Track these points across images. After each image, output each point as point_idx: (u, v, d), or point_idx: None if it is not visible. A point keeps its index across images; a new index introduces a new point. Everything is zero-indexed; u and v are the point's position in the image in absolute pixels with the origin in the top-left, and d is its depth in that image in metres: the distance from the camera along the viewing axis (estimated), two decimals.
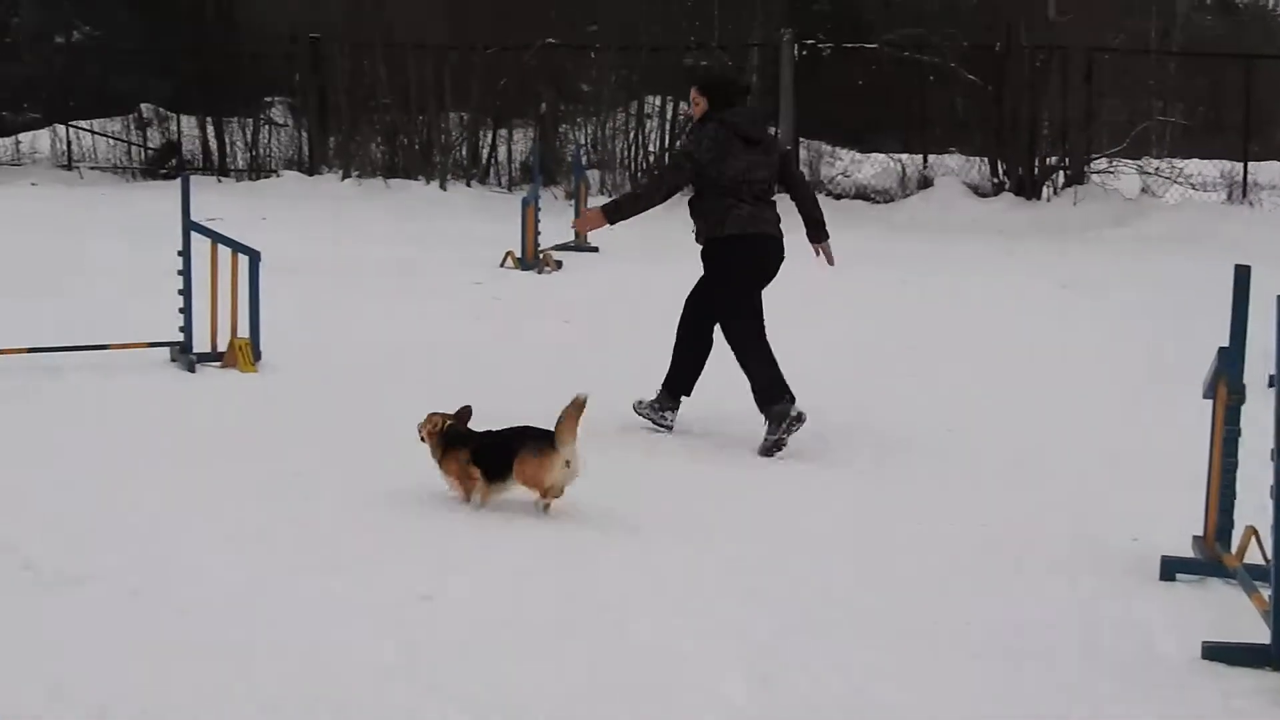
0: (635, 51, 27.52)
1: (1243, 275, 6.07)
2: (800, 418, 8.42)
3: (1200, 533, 6.38)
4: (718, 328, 8.98)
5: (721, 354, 8.90)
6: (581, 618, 5.58)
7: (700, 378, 8.98)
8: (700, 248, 9.02)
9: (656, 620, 5.56)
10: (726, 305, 8.91)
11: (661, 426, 8.98)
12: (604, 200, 9.54)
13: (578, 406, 6.96)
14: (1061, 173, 24.86)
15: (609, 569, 6.17)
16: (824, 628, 5.52)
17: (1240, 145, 25.94)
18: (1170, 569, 6.19)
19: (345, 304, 13.48)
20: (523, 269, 16.36)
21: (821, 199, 22.86)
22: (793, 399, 8.48)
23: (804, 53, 27.17)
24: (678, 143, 25.14)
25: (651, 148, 27.17)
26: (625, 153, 27.16)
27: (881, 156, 27.46)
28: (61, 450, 7.88)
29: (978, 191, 24.70)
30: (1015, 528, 6.93)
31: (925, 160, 26.40)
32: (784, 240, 8.89)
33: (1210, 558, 6.19)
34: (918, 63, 26.42)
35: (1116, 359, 11.74)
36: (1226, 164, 25.84)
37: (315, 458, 7.79)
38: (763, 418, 8.52)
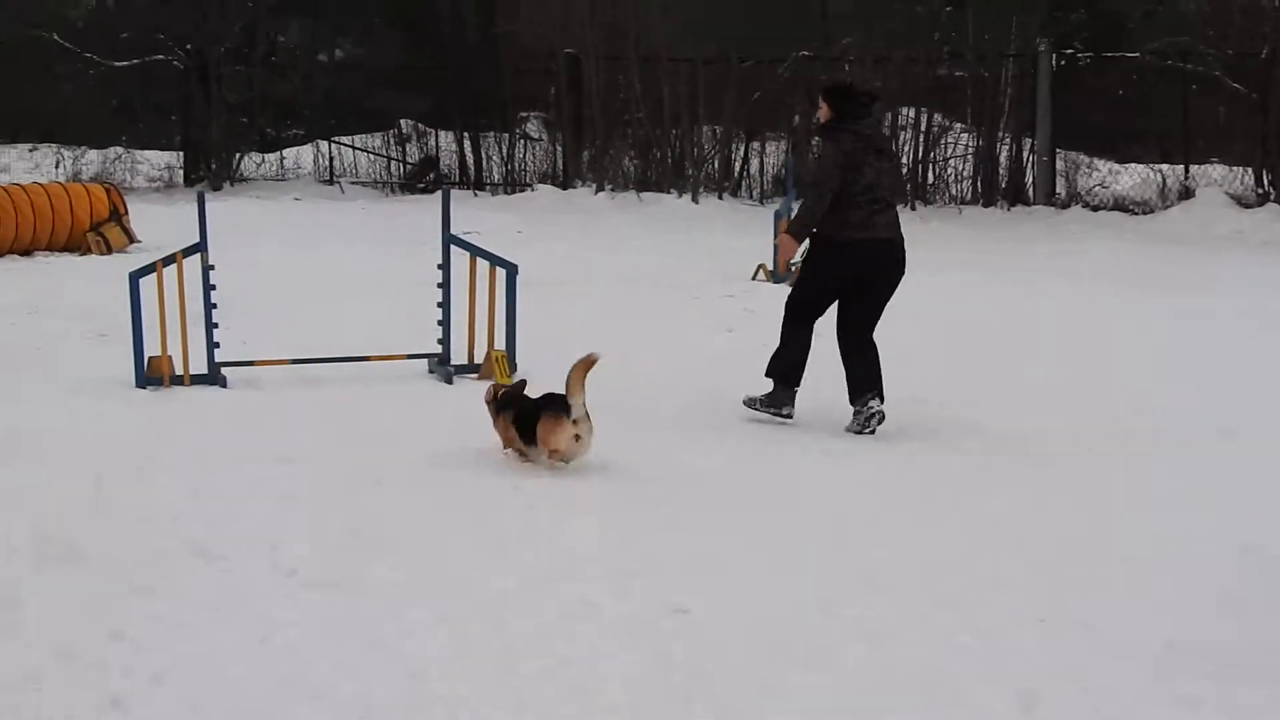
0: (888, 62, 27.35)
1: None
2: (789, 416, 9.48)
3: None
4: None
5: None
6: (831, 626, 5.58)
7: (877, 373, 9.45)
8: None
9: (913, 634, 5.54)
10: (804, 289, 9.66)
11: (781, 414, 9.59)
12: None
13: (585, 364, 7.92)
14: None
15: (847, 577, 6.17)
16: None
17: None
18: None
19: (598, 316, 13.60)
20: (775, 281, 16.33)
21: (1078, 210, 22.75)
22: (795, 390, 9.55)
23: (1061, 62, 26.75)
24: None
25: (905, 159, 26.94)
26: None
27: (1140, 167, 26.92)
28: (319, 457, 8.06)
29: (1241, 202, 24.07)
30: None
31: (1187, 170, 25.82)
32: (900, 243, 9.41)
33: None
34: (1180, 71, 25.85)
35: None
36: None
37: (568, 469, 7.87)
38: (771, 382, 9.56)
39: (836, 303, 9.57)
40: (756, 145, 28.60)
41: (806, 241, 9.53)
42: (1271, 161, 24.34)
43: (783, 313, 9.74)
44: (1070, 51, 27.57)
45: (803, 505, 7.33)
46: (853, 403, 9.37)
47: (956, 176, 27.13)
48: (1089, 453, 8.60)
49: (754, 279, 16.57)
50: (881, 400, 9.28)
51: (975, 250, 19.90)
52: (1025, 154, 26.70)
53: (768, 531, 6.85)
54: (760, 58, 27.49)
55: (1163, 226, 22.99)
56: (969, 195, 26.57)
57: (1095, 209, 25.30)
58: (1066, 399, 10.24)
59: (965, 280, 16.52)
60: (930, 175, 27.11)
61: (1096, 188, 26.52)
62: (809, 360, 9.61)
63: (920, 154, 27.04)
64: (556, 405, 7.90)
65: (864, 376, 9.37)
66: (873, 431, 9.21)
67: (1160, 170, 26.01)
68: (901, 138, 27.07)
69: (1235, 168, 25.49)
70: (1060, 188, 26.35)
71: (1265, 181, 24.39)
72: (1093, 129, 28.29)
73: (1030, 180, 26.50)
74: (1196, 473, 8.10)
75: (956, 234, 22.32)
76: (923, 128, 27.17)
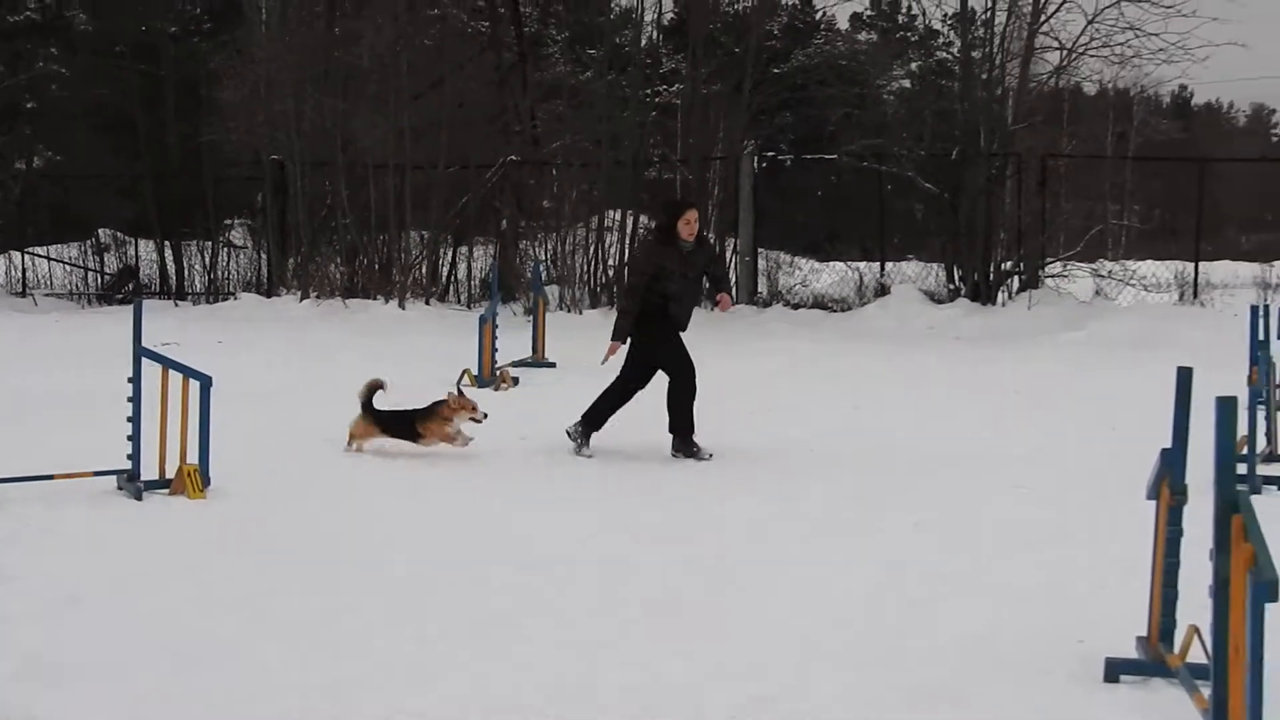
0: (596, 167, 27.71)
1: (1184, 377, 6.09)
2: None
3: (1144, 633, 6.41)
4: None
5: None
6: None
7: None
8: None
9: None
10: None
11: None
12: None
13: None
14: (1016, 277, 25.07)
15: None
16: None
17: (1191, 246, 26.27)
18: (1115, 670, 6.19)
19: (299, 426, 13.35)
20: (480, 386, 16.35)
21: (779, 309, 23.27)
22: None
23: (764, 164, 27.43)
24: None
25: (612, 262, 27.26)
26: (585, 268, 27.27)
27: (840, 265, 27.68)
28: (8, 581, 7.79)
29: (934, 298, 24.90)
30: (960, 633, 6.92)
31: (883, 268, 26.63)
32: None
33: (1154, 658, 6.21)
34: (876, 172, 26.69)
35: (1063, 463, 11.80)
36: (1180, 265, 26.15)
37: (264, 582, 7.75)
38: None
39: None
40: (464, 250, 28.66)
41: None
42: (961, 259, 25.21)
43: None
44: (772, 154, 28.30)
45: None
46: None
47: None
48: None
49: (459, 383, 16.51)
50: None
51: None
52: (729, 254, 27.21)
53: None
54: (467, 163, 27.61)
55: (860, 323, 23.61)
56: None
57: (796, 307, 25.91)
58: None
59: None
60: None
61: (797, 286, 27.18)
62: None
63: (625, 256, 27.32)
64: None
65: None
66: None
67: (858, 268, 26.76)
68: (608, 240, 27.36)
69: (929, 264, 26.37)
70: (762, 287, 26.91)
71: (955, 277, 25.26)
72: (795, 229, 29.06)
73: (734, 280, 26.99)
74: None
75: None
76: (629, 230, 27.46)
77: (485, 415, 11.87)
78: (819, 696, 6.01)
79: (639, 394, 12.33)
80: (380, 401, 12.10)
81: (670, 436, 12.00)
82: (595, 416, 12.19)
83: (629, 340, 12.14)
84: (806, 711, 5.83)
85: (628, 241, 27.34)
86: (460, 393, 12.14)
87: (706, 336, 18.54)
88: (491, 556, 8.28)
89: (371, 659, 6.41)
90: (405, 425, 12.00)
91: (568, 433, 12.20)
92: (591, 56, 33.71)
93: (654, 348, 12.18)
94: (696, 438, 11.95)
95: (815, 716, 5.80)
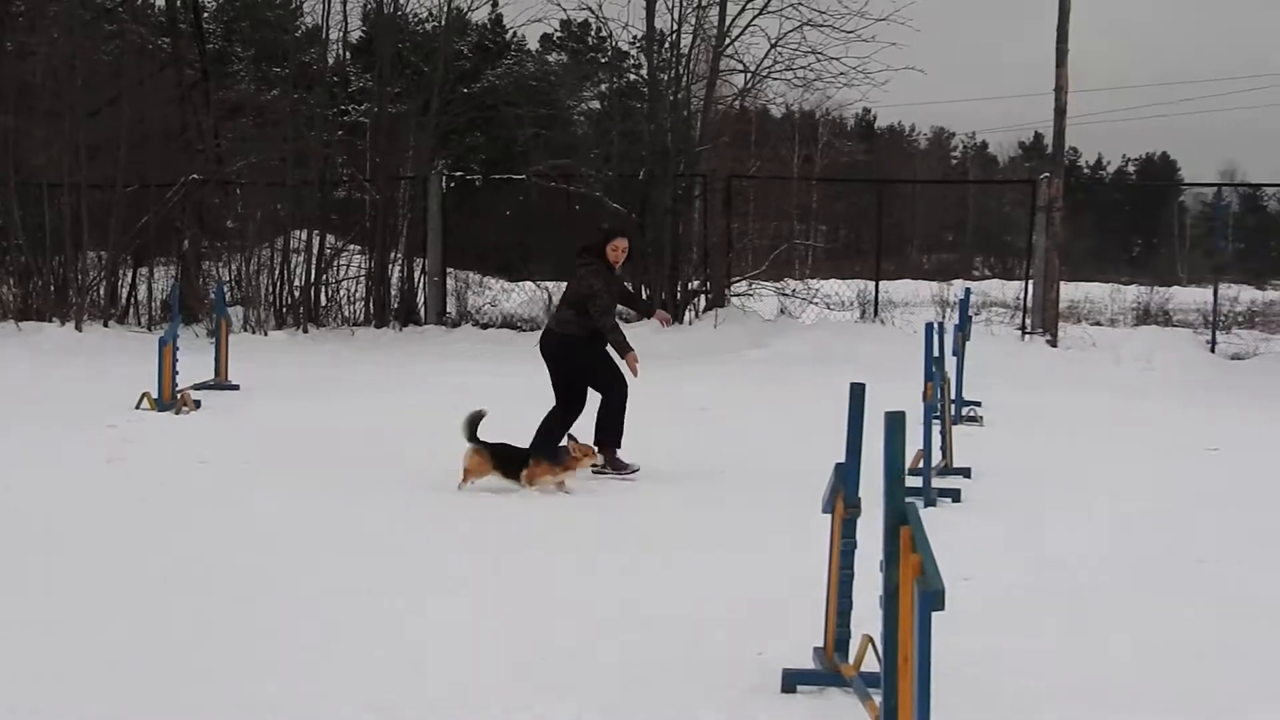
0: (282, 187, 27.32)
1: (857, 392, 6.23)
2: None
3: (821, 644, 6.53)
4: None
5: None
6: None
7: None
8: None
9: None
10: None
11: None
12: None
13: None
14: (703, 296, 25.43)
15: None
16: None
17: (874, 265, 27.06)
18: (791, 681, 6.30)
19: None
20: (160, 410, 15.98)
21: (468, 329, 23.25)
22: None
23: (453, 184, 27.36)
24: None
25: (298, 283, 26.88)
26: (271, 289, 26.84)
27: (530, 285, 27.76)
28: None
29: (622, 317, 25.06)
30: (643, 647, 6.97)
31: None
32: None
33: (829, 668, 6.34)
34: (566, 192, 26.81)
35: (751, 475, 12.02)
36: (861, 283, 26.88)
37: None
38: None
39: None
40: (145, 271, 27.96)
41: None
42: (649, 277, 25.47)
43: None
44: (460, 174, 28.26)
45: None
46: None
47: (349, 298, 27.23)
48: None
49: (138, 407, 16.13)
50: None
51: (365, 371, 20.01)
52: (418, 274, 27.09)
53: None
54: (148, 182, 26.97)
55: None
56: (362, 316, 26.72)
57: (485, 327, 25.92)
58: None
59: (349, 404, 16.62)
60: (323, 298, 27.07)
61: (486, 306, 27.17)
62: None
63: (312, 277, 26.97)
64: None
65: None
66: None
67: (547, 288, 26.86)
68: (294, 261, 26.98)
69: None
70: (451, 307, 26.85)
71: (644, 296, 25.51)
72: (486, 249, 29.07)
73: (422, 300, 26.88)
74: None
75: (348, 356, 22.42)
76: (315, 250, 27.11)
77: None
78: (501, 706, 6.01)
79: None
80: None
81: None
82: (546, 443, 11.88)
83: (565, 365, 12.52)
84: None
85: (314, 262, 26.98)
86: (575, 439, 11.70)
87: (387, 358, 18.50)
88: (173, 585, 8.09)
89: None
90: (516, 464, 11.49)
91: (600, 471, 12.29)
92: (277, 74, 33.28)
93: (593, 367, 12.61)
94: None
95: None
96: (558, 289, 26.50)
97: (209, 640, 6.99)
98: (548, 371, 12.56)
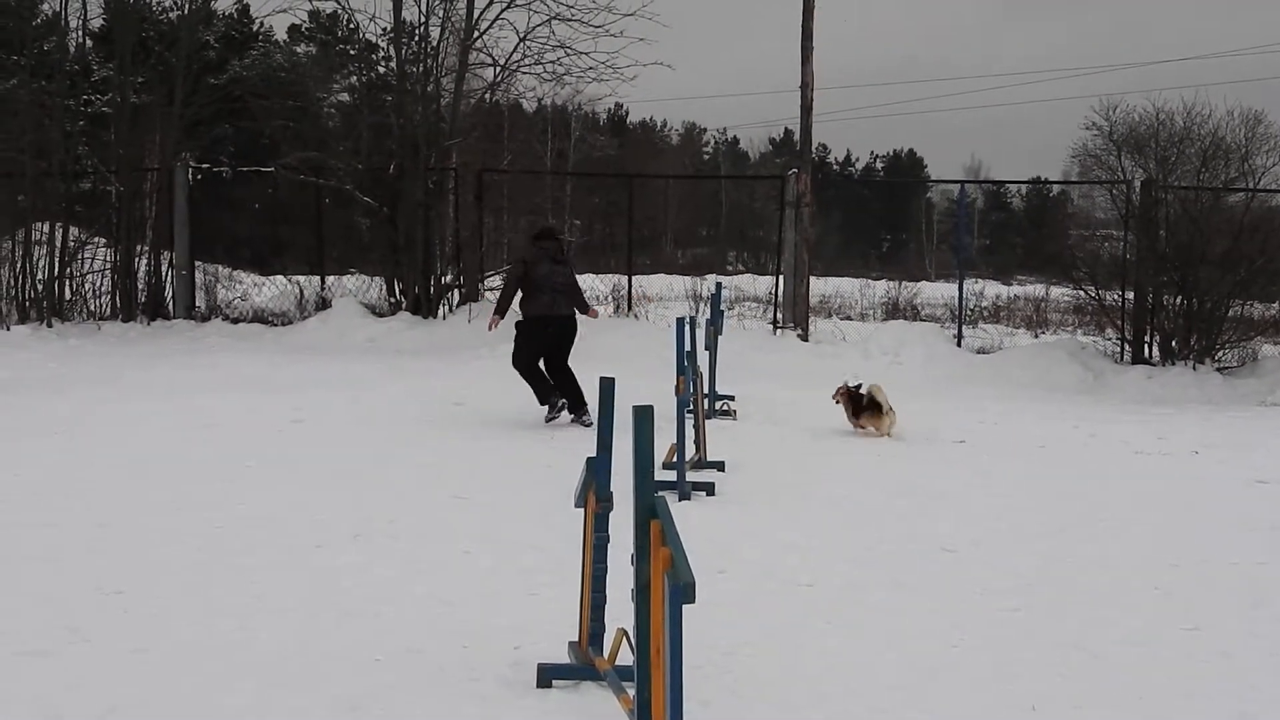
0: (22, 178, 26.59)
1: (607, 386, 6.25)
2: (561, 406, 15.14)
3: (575, 638, 6.56)
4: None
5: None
6: None
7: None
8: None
9: None
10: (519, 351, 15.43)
11: (581, 415, 15.04)
12: None
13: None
14: (457, 290, 25.34)
15: None
16: None
17: (627, 259, 27.22)
18: (546, 675, 6.32)
19: None
20: None
21: (219, 323, 22.90)
22: (559, 398, 15.19)
23: (199, 176, 26.88)
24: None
25: (40, 276, 26.18)
26: (12, 281, 26.09)
27: (281, 279, 27.39)
28: None
29: (375, 311, 24.94)
30: (392, 642, 6.94)
31: (323, 282, 26.49)
32: (573, 316, 15.71)
33: (584, 662, 6.36)
34: (315, 185, 26.50)
35: (498, 470, 12.02)
36: (616, 278, 27.00)
37: None
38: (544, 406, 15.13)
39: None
40: None
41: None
42: (402, 272, 25.32)
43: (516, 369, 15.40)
44: (207, 165, 27.78)
45: None
46: (572, 410, 15.17)
47: (95, 292, 26.60)
48: None
49: None
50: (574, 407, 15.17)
51: (112, 366, 19.55)
52: (165, 267, 26.56)
53: None
54: None
55: (301, 337, 23.45)
56: (108, 310, 26.13)
57: (236, 321, 25.53)
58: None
59: (94, 395, 16.25)
60: (68, 291, 26.41)
61: (237, 300, 26.76)
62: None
63: (56, 270, 26.28)
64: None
65: (571, 391, 15.21)
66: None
67: (298, 282, 26.55)
68: (36, 254, 26.25)
69: (371, 278, 26.39)
70: (201, 301, 26.38)
71: (397, 290, 25.38)
72: (236, 242, 28.64)
73: (170, 294, 26.37)
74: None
75: (95, 350, 21.90)
76: (59, 242, 26.42)
77: None
78: (238, 712, 5.93)
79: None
80: None
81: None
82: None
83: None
84: None
85: (58, 255, 26.31)
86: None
87: (134, 352, 18.10)
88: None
89: None
90: None
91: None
92: (15, 63, 32.35)
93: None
94: None
95: None
96: (309, 282, 26.29)
97: None
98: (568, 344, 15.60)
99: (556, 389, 15.26)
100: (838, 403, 15.34)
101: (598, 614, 6.39)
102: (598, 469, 6.31)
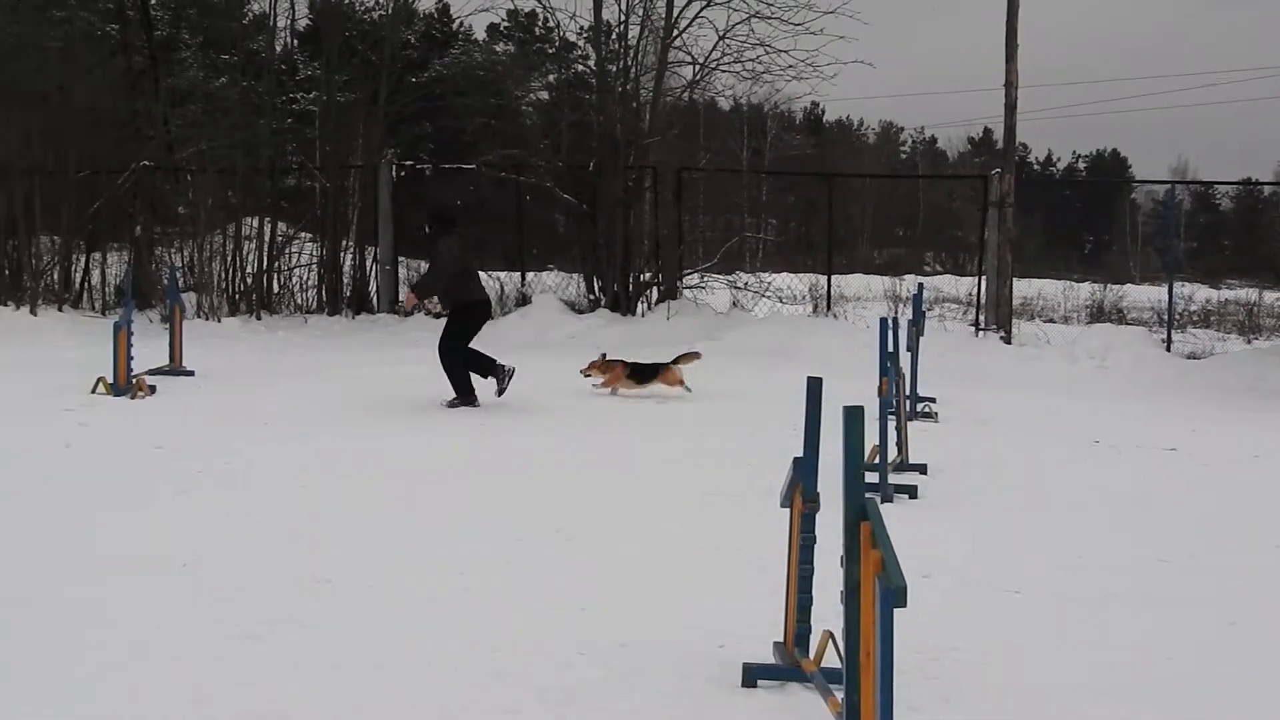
0: (233, 174, 27.22)
1: (814, 386, 6.20)
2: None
3: (781, 639, 6.55)
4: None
5: None
6: None
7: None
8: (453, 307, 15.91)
9: None
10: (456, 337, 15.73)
11: (473, 404, 15.53)
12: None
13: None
14: (655, 288, 25.42)
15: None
16: None
17: (826, 259, 27.10)
18: (752, 675, 6.30)
19: None
20: (115, 394, 15.91)
21: (421, 318, 23.22)
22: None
23: (403, 173, 27.27)
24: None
25: (250, 269, 26.79)
26: (223, 275, 26.73)
27: (482, 275, 27.68)
28: None
29: (574, 308, 25.12)
30: (604, 636, 6.97)
31: (524, 278, 26.73)
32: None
33: (790, 663, 6.34)
34: (515, 183, 26.77)
35: (702, 469, 12.02)
36: (813, 277, 26.91)
37: None
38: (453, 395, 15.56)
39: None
40: (98, 256, 27.84)
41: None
42: (601, 269, 25.47)
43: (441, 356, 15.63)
44: (410, 163, 28.17)
45: None
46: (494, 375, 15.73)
47: (302, 286, 27.16)
48: None
49: (94, 392, 16.05)
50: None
51: (318, 358, 19.93)
52: (369, 263, 27.02)
53: None
54: (99, 168, 26.85)
55: (502, 331, 23.65)
56: (314, 304, 26.65)
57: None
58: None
59: (302, 391, 16.57)
60: (276, 285, 26.99)
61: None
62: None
63: (265, 264, 26.89)
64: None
65: (483, 367, 15.73)
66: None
67: (499, 278, 26.83)
68: (246, 248, 26.87)
69: (570, 275, 26.60)
70: (404, 296, 26.75)
71: (595, 288, 25.53)
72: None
73: (374, 289, 26.82)
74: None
75: (302, 343, 22.35)
76: (267, 238, 27.03)
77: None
78: (450, 705, 6.01)
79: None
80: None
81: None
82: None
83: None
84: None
85: (266, 249, 26.92)
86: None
87: (339, 346, 18.40)
88: (127, 567, 8.05)
89: None
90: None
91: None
92: (225, 62, 33.10)
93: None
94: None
95: None
96: (509, 278, 26.56)
97: (161, 624, 6.96)
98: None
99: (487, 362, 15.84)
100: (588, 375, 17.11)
101: (804, 615, 6.36)
102: (804, 469, 6.28)
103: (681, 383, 16.99)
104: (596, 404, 16.31)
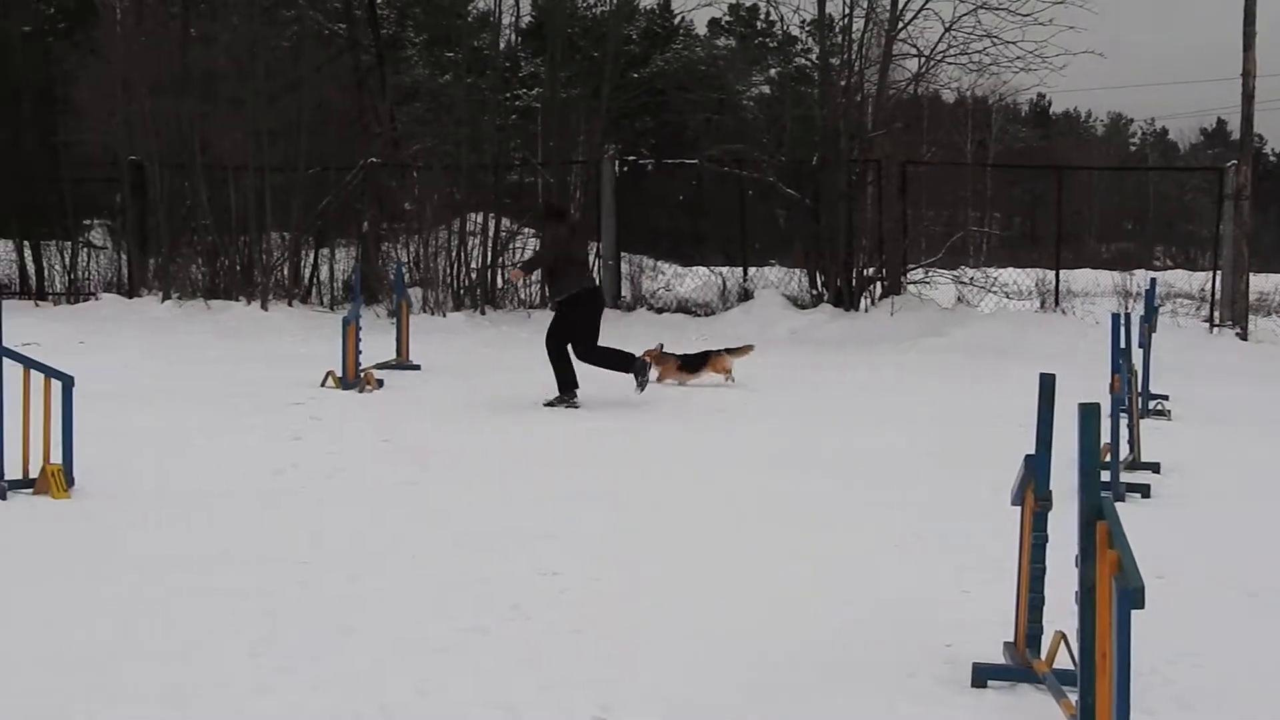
0: (457, 170, 27.59)
1: (1048, 383, 6.08)
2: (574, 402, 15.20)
3: (1011, 639, 6.43)
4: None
5: None
6: None
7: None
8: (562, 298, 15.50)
9: None
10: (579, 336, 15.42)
11: (574, 405, 15.09)
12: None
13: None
14: (879, 283, 25.22)
15: None
16: None
17: (1053, 254, 26.62)
18: (982, 676, 6.19)
19: (163, 427, 13.21)
20: (344, 388, 16.22)
21: (643, 312, 23.33)
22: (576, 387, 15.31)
23: (625, 169, 27.39)
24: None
25: (474, 264, 27.14)
26: (448, 270, 27.10)
27: (704, 270, 27.73)
28: None
29: (797, 303, 25.02)
30: (830, 636, 6.90)
31: (745, 273, 26.70)
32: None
33: (1021, 663, 6.22)
34: (737, 177, 26.75)
35: (930, 468, 11.87)
36: (1040, 272, 26.45)
37: (124, 582, 7.59)
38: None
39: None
40: (326, 252, 28.44)
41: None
42: (824, 264, 25.35)
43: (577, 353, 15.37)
44: (633, 158, 28.30)
45: None
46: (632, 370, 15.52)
47: (525, 281, 27.41)
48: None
49: (323, 385, 16.38)
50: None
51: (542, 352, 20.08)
52: (592, 258, 27.18)
53: None
54: (327, 165, 27.42)
55: (724, 327, 23.68)
56: (538, 299, 26.90)
57: (660, 311, 25.95)
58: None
59: (528, 385, 16.71)
60: (500, 280, 27.30)
61: (660, 290, 27.18)
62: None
63: (489, 259, 27.23)
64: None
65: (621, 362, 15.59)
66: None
67: (720, 273, 26.83)
68: (470, 243, 27.22)
69: (792, 270, 26.50)
70: (625, 291, 26.89)
71: (818, 283, 25.40)
72: (658, 233, 29.11)
73: (597, 284, 26.95)
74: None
75: (525, 338, 22.55)
76: (491, 233, 27.36)
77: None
78: (682, 698, 5.98)
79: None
80: None
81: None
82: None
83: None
84: (673, 713, 5.80)
85: (490, 245, 27.26)
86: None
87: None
88: (357, 561, 8.16)
89: (216, 664, 6.30)
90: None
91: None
92: (450, 59, 33.55)
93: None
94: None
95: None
96: (731, 274, 26.54)
97: (387, 616, 7.05)
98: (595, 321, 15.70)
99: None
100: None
101: (1035, 615, 6.24)
102: (1037, 467, 6.16)
103: (729, 371, 17.10)
104: (815, 394, 16.21)
